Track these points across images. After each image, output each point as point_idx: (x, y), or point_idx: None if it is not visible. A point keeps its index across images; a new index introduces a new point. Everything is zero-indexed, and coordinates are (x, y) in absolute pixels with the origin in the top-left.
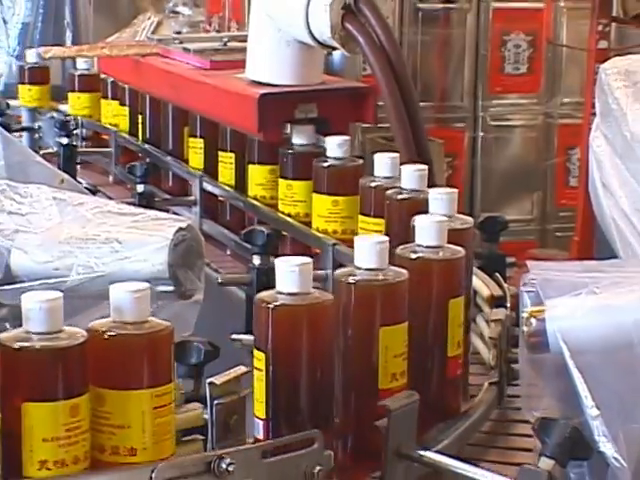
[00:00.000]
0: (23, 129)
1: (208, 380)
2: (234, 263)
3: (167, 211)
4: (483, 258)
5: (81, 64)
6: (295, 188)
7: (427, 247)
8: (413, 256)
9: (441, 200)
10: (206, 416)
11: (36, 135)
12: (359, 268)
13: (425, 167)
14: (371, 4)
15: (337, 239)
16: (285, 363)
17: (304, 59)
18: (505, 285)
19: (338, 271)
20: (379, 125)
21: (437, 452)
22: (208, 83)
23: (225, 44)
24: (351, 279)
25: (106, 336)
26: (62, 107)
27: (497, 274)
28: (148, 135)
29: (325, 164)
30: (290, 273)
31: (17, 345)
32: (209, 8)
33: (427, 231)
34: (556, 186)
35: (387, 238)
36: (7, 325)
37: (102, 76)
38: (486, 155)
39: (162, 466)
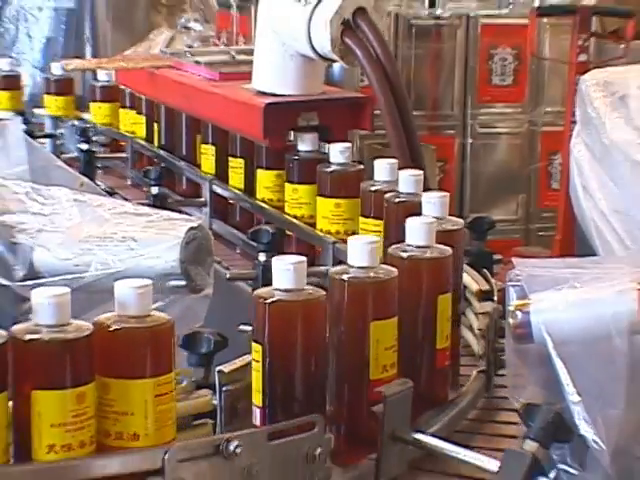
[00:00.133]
0: (46, 136)
1: (217, 368)
2: (243, 261)
3: (179, 212)
4: (472, 255)
5: (102, 76)
6: (300, 192)
7: (417, 247)
8: (404, 255)
9: (434, 204)
10: (215, 402)
11: (58, 141)
12: (352, 266)
13: (421, 172)
14: (368, 20)
15: (339, 239)
16: (280, 355)
17: (306, 71)
18: (492, 280)
19: (332, 269)
20: (376, 132)
21: (430, 435)
22: (217, 93)
23: (233, 57)
24: (344, 276)
25: (111, 329)
26: (85, 116)
27: (485, 270)
28: (163, 142)
29: (328, 169)
30: (285, 271)
31: (27, 337)
32: (218, 24)
33: (417, 232)
34: (539, 189)
35: (378, 238)
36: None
37: (121, 87)
38: (475, 160)
39: (174, 448)
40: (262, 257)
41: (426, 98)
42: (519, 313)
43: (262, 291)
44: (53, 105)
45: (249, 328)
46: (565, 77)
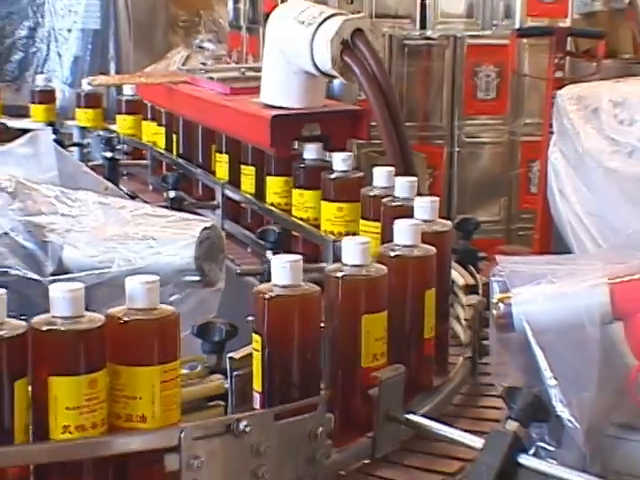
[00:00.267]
0: (74, 145)
1: (228, 355)
2: (253, 258)
3: (194, 213)
4: (459, 253)
5: (127, 91)
6: (306, 196)
7: (404, 246)
8: (392, 254)
9: (425, 207)
10: (226, 385)
11: (85, 150)
12: (346, 265)
13: (415, 179)
14: (365, 40)
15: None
16: (278, 345)
17: (309, 86)
18: (478, 276)
19: (328, 267)
20: (372, 141)
21: (421, 416)
22: (229, 106)
23: (243, 73)
24: (339, 274)
25: (121, 320)
26: (113, 127)
27: (471, 266)
28: (182, 151)
29: (332, 176)
30: (283, 268)
31: (45, 328)
32: (230, 44)
33: (404, 233)
34: (519, 193)
35: (369, 239)
36: None
37: (144, 101)
38: (461, 167)
39: (190, 427)
40: (269, 254)
41: (417, 111)
42: (502, 305)
43: (262, 287)
44: (83, 117)
45: None
46: (543, 92)
